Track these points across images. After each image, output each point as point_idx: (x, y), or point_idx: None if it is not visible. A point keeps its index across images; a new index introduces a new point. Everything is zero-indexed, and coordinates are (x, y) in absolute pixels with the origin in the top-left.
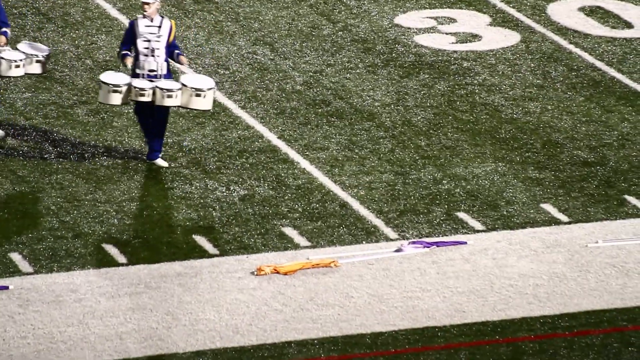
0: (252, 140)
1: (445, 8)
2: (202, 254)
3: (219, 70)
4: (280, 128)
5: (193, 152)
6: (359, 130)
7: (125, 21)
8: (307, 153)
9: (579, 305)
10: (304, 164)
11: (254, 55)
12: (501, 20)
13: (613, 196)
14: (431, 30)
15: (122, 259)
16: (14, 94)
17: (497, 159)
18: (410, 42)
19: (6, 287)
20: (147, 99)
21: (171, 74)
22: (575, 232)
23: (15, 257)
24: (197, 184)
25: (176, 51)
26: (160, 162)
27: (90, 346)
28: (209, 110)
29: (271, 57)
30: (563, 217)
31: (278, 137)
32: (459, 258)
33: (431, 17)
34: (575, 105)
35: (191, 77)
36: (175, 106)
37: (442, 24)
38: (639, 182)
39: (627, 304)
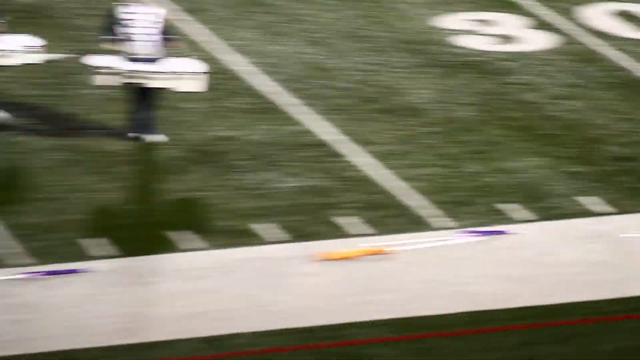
0: (308, 136)
1: (486, 11)
2: (260, 241)
3: (278, 70)
4: (335, 123)
5: (248, 145)
6: (410, 126)
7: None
8: (362, 147)
9: (626, 291)
10: (359, 157)
11: (309, 55)
12: (539, 23)
13: None
14: (474, 32)
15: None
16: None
17: (541, 154)
18: (454, 43)
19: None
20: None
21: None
22: (617, 223)
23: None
24: (253, 176)
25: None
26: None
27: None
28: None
29: (326, 57)
30: (606, 209)
31: (334, 132)
32: (508, 247)
33: (473, 20)
34: (612, 103)
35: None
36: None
37: (484, 26)
38: None
39: None
